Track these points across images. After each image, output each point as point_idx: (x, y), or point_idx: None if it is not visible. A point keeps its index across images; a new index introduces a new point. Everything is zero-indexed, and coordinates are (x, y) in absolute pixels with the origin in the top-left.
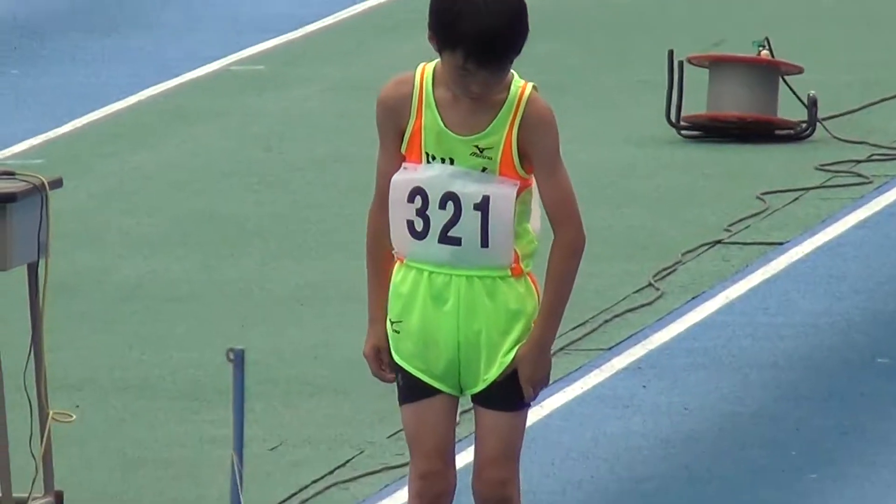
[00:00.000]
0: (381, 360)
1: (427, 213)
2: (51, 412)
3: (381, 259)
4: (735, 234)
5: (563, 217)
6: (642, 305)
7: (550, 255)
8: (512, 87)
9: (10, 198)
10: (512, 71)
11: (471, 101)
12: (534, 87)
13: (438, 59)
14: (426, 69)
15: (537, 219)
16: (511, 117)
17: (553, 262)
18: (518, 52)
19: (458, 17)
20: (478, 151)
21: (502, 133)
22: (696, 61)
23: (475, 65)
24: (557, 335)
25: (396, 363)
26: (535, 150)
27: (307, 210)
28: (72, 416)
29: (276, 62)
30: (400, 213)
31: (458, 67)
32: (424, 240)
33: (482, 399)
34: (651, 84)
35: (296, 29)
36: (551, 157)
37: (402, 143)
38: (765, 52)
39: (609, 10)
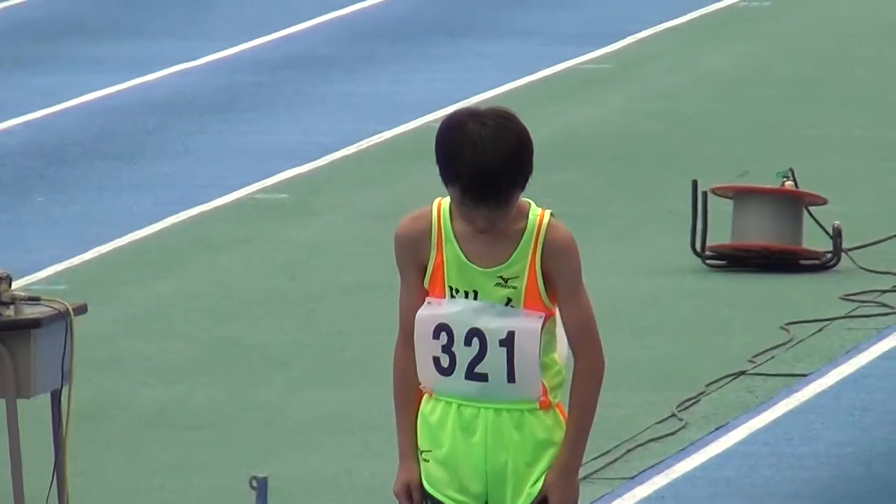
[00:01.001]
0: (412, 497)
1: (453, 349)
2: None
3: (409, 395)
4: (759, 364)
5: (586, 342)
6: (665, 435)
7: (573, 381)
8: (530, 215)
9: (34, 324)
10: (529, 200)
11: (491, 232)
12: (551, 213)
13: None
14: (442, 203)
15: (563, 345)
16: (533, 245)
17: (576, 388)
18: (520, 187)
19: (456, 153)
20: (502, 282)
21: (526, 262)
22: (720, 192)
23: (472, 200)
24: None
25: (426, 493)
26: (559, 276)
27: (331, 338)
28: None
29: (301, 190)
30: (426, 349)
31: (458, 202)
32: (451, 376)
33: None
34: (675, 214)
35: (321, 157)
36: (574, 283)
37: (425, 277)
38: (789, 183)
39: (632, 140)
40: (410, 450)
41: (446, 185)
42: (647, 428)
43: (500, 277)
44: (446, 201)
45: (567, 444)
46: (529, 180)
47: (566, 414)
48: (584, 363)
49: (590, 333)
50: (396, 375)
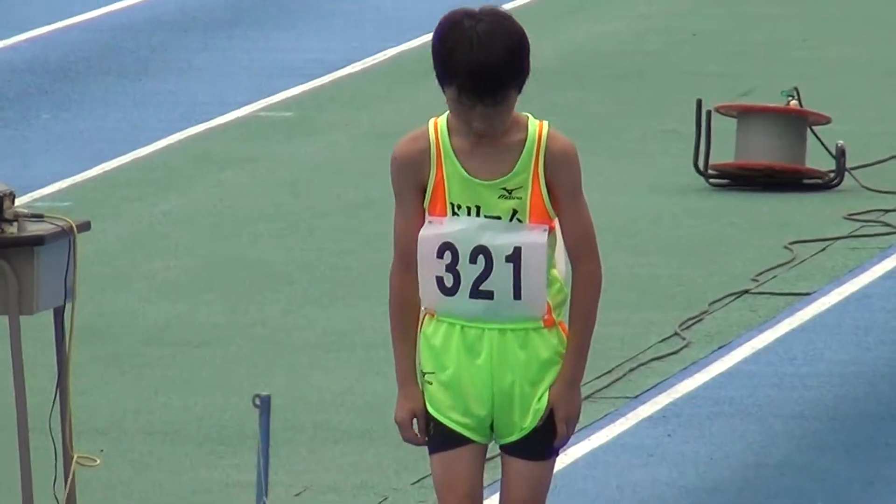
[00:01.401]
0: (415, 424)
1: (457, 268)
2: (75, 456)
3: (408, 321)
4: (762, 283)
5: (586, 251)
6: (668, 354)
7: (573, 291)
8: (529, 126)
9: (37, 241)
10: (527, 114)
11: (491, 145)
12: (549, 124)
13: (448, 113)
14: (438, 121)
15: (562, 262)
16: (535, 155)
17: (577, 297)
18: (517, 86)
19: (451, 52)
20: (506, 194)
21: (529, 172)
22: (724, 110)
23: (469, 98)
24: (582, 383)
25: (429, 414)
26: (560, 185)
27: (334, 256)
28: (96, 461)
29: (305, 108)
30: (429, 269)
31: (455, 102)
32: (455, 295)
33: (512, 448)
34: (679, 133)
35: (325, 74)
36: (575, 191)
37: (425, 197)
38: (793, 102)
39: (637, 59)
40: (411, 376)
41: (443, 86)
42: (650, 347)
43: (504, 189)
44: (442, 119)
45: (570, 356)
46: (526, 83)
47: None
48: (583, 272)
49: (589, 242)
50: (393, 301)
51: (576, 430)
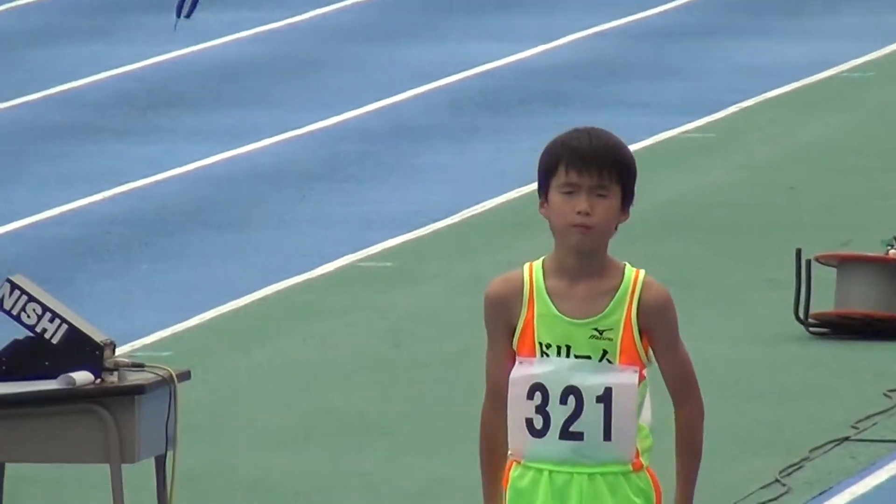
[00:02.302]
0: None
1: (547, 409)
2: None
3: (497, 459)
4: (862, 431)
5: (689, 389)
6: (769, 500)
7: (680, 425)
8: (625, 272)
9: (139, 390)
10: (624, 262)
11: (585, 287)
12: (645, 272)
13: (544, 257)
14: (533, 265)
15: (649, 411)
16: (629, 299)
17: (685, 433)
18: (622, 188)
19: (559, 142)
20: (597, 334)
21: (621, 313)
22: (824, 260)
23: (576, 172)
24: None
25: None
26: (658, 331)
27: (434, 406)
28: None
29: (404, 258)
30: (519, 411)
31: (560, 192)
32: (545, 437)
33: None
34: (779, 283)
35: (424, 225)
36: (673, 336)
37: (514, 337)
38: (893, 252)
39: (736, 210)
40: None
41: (545, 192)
42: (751, 494)
43: (595, 329)
44: (538, 262)
45: (681, 486)
46: (632, 203)
47: (657, 478)
48: (689, 409)
49: (692, 381)
50: (484, 439)
51: None
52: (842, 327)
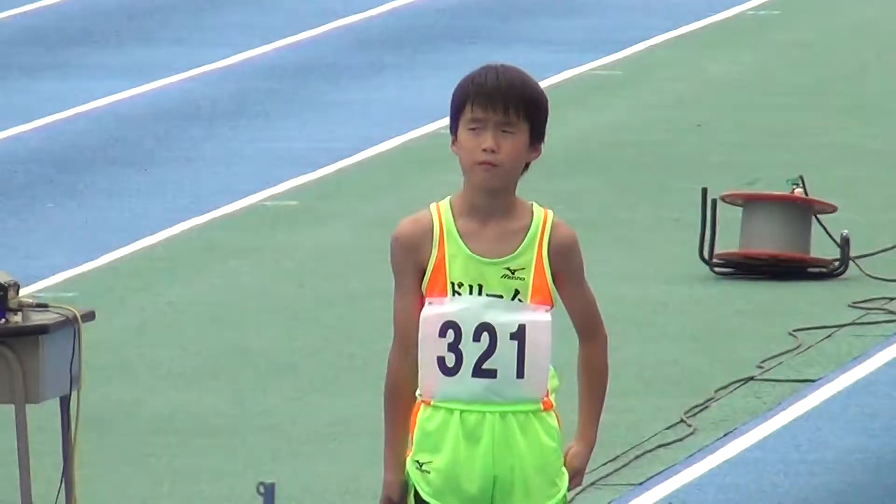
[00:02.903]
0: None
1: (460, 346)
2: None
3: (402, 407)
4: (767, 370)
5: (595, 324)
6: (674, 441)
7: (589, 356)
8: (534, 212)
9: (42, 329)
10: (532, 202)
11: (495, 228)
12: (553, 213)
13: (450, 196)
14: (441, 204)
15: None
16: (538, 240)
17: (594, 361)
18: (530, 126)
19: (469, 79)
20: (509, 273)
21: (532, 254)
22: (729, 199)
23: (482, 109)
24: (589, 470)
25: (425, 503)
26: (565, 271)
27: (339, 345)
28: None
29: (310, 197)
30: (430, 350)
31: (467, 129)
32: (456, 375)
33: None
34: (684, 222)
35: (329, 164)
36: (580, 276)
37: (424, 279)
38: (798, 191)
39: (642, 148)
40: (393, 461)
41: (456, 124)
42: (656, 434)
43: (507, 269)
44: (445, 202)
45: (591, 421)
46: (543, 141)
47: (560, 420)
48: (598, 339)
49: (597, 317)
50: (389, 385)
51: None
52: (747, 267)
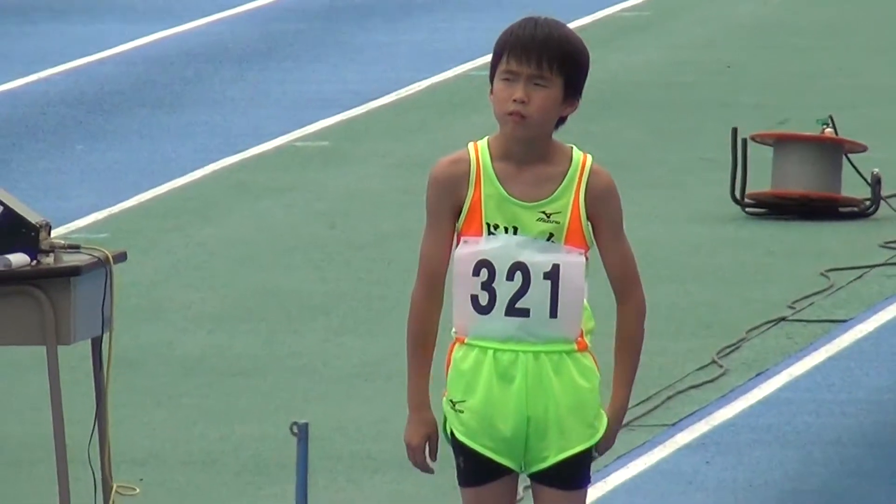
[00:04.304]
0: (429, 448)
1: (493, 285)
2: (115, 486)
3: (426, 345)
4: (799, 311)
5: (632, 283)
6: (706, 382)
7: (622, 321)
8: (573, 157)
9: (74, 271)
10: (571, 145)
11: (533, 171)
12: (592, 158)
13: (489, 136)
14: (479, 144)
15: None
16: (576, 185)
17: (627, 327)
18: (565, 80)
19: (510, 31)
20: (545, 217)
21: (569, 198)
22: (760, 139)
23: (516, 62)
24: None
25: (459, 443)
26: (602, 218)
27: (370, 287)
28: (136, 490)
29: (340, 138)
30: (464, 288)
31: (501, 79)
32: (490, 314)
33: (545, 477)
34: (715, 162)
35: (359, 105)
36: (618, 225)
37: (460, 218)
38: (829, 131)
39: (672, 89)
40: (425, 400)
41: (492, 79)
42: (688, 375)
43: (543, 212)
44: (483, 142)
45: (623, 386)
46: (580, 95)
47: (596, 362)
48: (631, 303)
49: (634, 274)
50: (413, 325)
51: (612, 459)
52: (778, 207)
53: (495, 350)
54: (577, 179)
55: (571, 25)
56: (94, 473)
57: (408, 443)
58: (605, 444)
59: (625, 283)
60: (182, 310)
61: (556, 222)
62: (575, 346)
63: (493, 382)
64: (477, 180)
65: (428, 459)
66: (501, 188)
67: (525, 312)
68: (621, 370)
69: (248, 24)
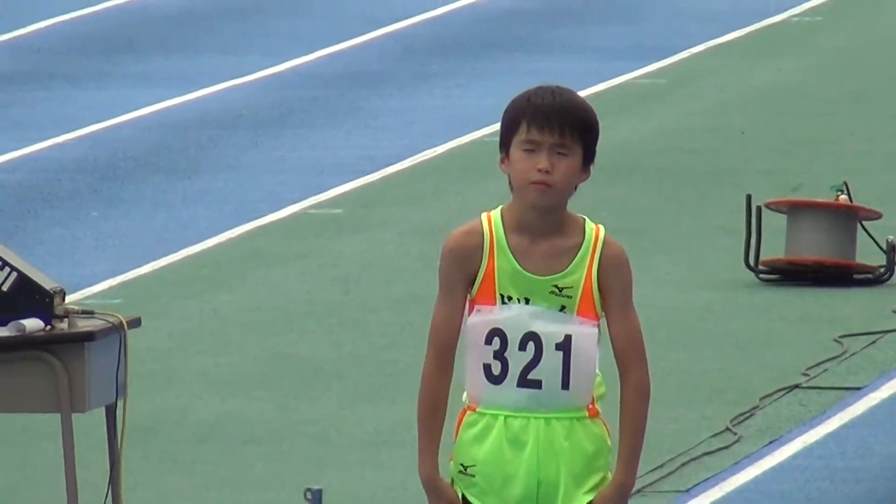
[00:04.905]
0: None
1: (506, 355)
2: None
3: (439, 419)
4: (813, 378)
5: (637, 358)
6: (720, 449)
7: (625, 397)
8: (586, 229)
9: (88, 336)
10: (583, 216)
11: (547, 245)
12: (605, 229)
13: (502, 207)
14: (492, 215)
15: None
16: (590, 257)
17: (630, 404)
18: (583, 148)
19: (524, 98)
20: (557, 291)
21: (582, 272)
22: (774, 206)
23: (537, 130)
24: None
25: None
26: (612, 290)
27: (385, 352)
28: None
29: (355, 205)
30: (476, 357)
31: (521, 149)
32: (502, 384)
33: None
34: (729, 230)
35: (374, 172)
36: (627, 297)
37: (473, 288)
38: (843, 198)
39: (686, 156)
40: (436, 471)
41: (506, 148)
42: (702, 442)
43: (556, 286)
44: (496, 213)
45: (624, 464)
46: (593, 164)
47: (608, 428)
48: (635, 379)
49: (640, 349)
50: (425, 396)
51: None
52: (792, 274)
53: (506, 416)
54: (590, 252)
55: (586, 92)
56: None
57: (424, 478)
58: None
59: (628, 355)
60: (196, 376)
61: (568, 296)
62: (586, 413)
63: (503, 447)
64: (490, 252)
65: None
66: (516, 262)
67: (537, 384)
68: (624, 447)
69: (263, 90)
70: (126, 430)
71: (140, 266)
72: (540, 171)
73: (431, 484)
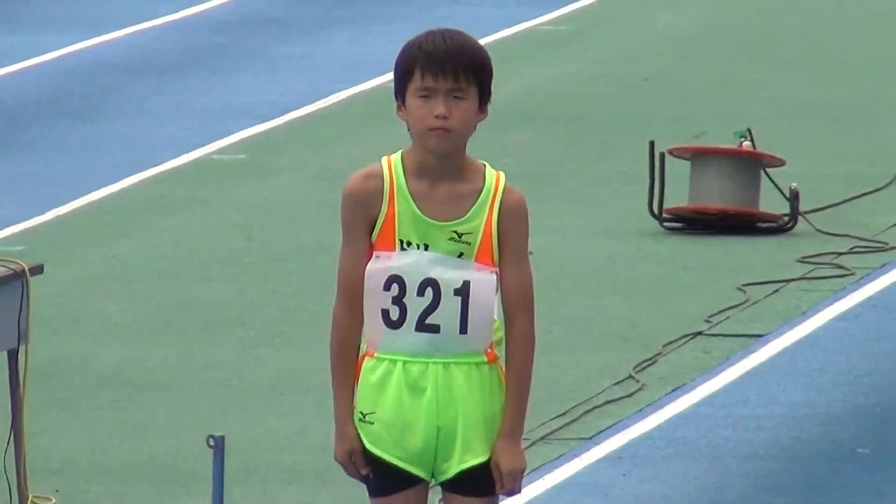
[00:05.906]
0: (355, 462)
1: (404, 300)
2: (31, 496)
3: (348, 359)
4: (716, 325)
5: (525, 307)
6: (622, 397)
7: (511, 347)
8: (486, 176)
9: None
10: (484, 162)
11: (446, 190)
12: (505, 176)
13: (402, 150)
14: (392, 158)
15: (497, 306)
16: (489, 205)
17: (515, 353)
18: (478, 89)
19: (415, 45)
20: (456, 237)
21: (482, 219)
22: (677, 153)
23: (432, 77)
24: (538, 425)
25: (369, 454)
26: (509, 240)
27: (287, 299)
28: (52, 500)
29: (258, 150)
30: (374, 302)
31: (417, 96)
32: (400, 329)
33: (454, 485)
34: (633, 176)
35: (278, 117)
36: (522, 247)
37: (373, 232)
38: (746, 144)
39: (589, 101)
40: (347, 415)
41: (402, 96)
42: (604, 389)
43: (455, 232)
44: (396, 157)
45: (510, 411)
46: (489, 102)
47: (505, 372)
48: (521, 328)
49: (529, 300)
50: (335, 339)
51: (528, 472)
52: (696, 222)
53: (405, 362)
54: (490, 199)
55: (489, 39)
56: (9, 484)
57: (336, 460)
58: (507, 484)
59: (517, 306)
60: (99, 323)
61: (467, 243)
62: (485, 358)
63: (403, 393)
64: (391, 196)
65: (360, 470)
66: (415, 206)
67: (435, 328)
68: (511, 396)
69: (167, 35)
70: (28, 376)
71: (43, 212)
72: (437, 117)
73: (339, 426)
